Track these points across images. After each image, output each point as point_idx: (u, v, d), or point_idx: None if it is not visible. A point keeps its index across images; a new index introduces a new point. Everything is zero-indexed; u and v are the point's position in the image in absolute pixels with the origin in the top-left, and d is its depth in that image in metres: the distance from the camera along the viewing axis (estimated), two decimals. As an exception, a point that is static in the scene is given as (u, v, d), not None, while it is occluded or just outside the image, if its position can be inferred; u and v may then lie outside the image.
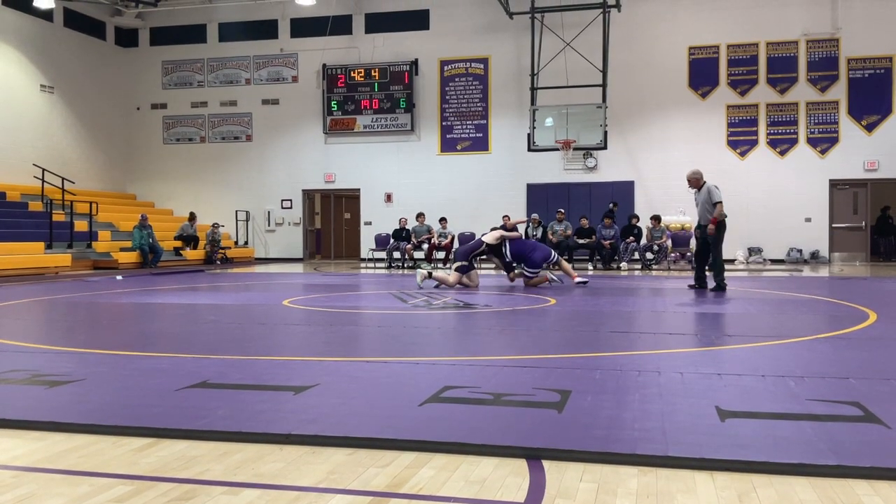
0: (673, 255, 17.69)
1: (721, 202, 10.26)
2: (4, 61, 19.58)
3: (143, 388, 4.01)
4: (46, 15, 20.58)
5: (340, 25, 22.01)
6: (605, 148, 18.73)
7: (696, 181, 10.56)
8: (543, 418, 3.31)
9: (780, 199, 19.44)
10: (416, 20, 21.74)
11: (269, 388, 3.96)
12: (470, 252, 11.21)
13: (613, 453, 2.81)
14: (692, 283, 10.78)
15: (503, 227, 12.14)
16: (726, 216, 10.47)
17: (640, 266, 17.37)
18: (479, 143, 21.33)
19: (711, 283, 10.32)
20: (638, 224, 17.65)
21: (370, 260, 20.11)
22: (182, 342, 5.93)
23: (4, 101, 19.52)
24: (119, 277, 14.58)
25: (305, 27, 22.35)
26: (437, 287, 10.97)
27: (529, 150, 19.14)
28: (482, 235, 11.78)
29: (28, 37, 20.24)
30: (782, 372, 4.32)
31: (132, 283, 12.75)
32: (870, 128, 19.22)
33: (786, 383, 4.01)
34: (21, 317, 7.92)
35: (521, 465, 2.74)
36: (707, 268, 10.57)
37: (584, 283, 11.41)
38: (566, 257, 16.09)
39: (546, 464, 2.75)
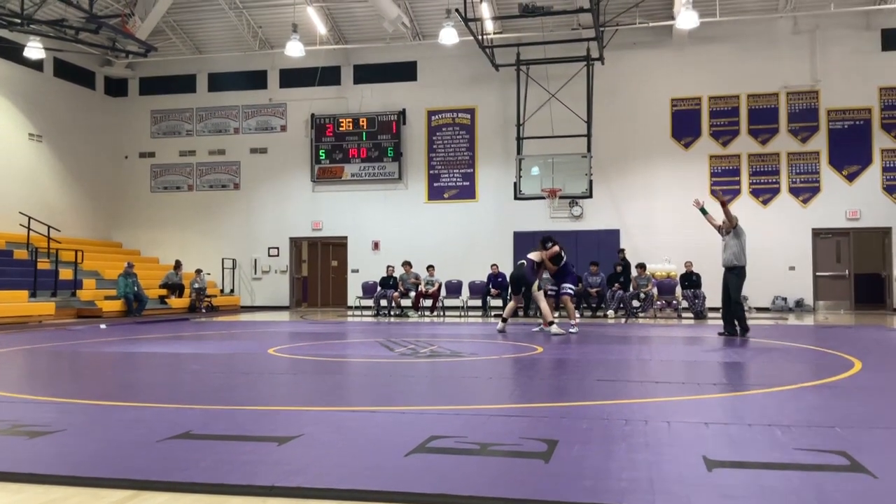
0: (659, 302, 17.75)
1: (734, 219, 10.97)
2: (-7, 110, 19.67)
3: (124, 439, 3.96)
4: (37, 65, 20.75)
5: (329, 76, 22.31)
6: (590, 196, 18.95)
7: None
8: (530, 468, 3.28)
9: (763, 248, 19.54)
10: (404, 72, 22.08)
11: (252, 439, 3.92)
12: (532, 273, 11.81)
13: (601, 504, 2.79)
14: (721, 331, 10.82)
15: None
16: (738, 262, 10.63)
17: (626, 314, 17.39)
18: (466, 192, 21.50)
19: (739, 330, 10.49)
20: (623, 272, 17.73)
21: (357, 308, 20.05)
22: (165, 392, 5.86)
23: (-8, 149, 19.55)
24: (103, 326, 14.44)
25: (294, 78, 22.63)
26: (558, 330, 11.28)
27: (516, 198, 19.33)
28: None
29: (18, 86, 20.38)
30: (769, 421, 4.32)
31: (116, 332, 12.63)
32: (850, 177, 19.53)
33: (772, 432, 4.00)
34: (2, 366, 7.81)
35: (507, 517, 2.70)
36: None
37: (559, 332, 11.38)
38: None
39: (533, 515, 2.72)
